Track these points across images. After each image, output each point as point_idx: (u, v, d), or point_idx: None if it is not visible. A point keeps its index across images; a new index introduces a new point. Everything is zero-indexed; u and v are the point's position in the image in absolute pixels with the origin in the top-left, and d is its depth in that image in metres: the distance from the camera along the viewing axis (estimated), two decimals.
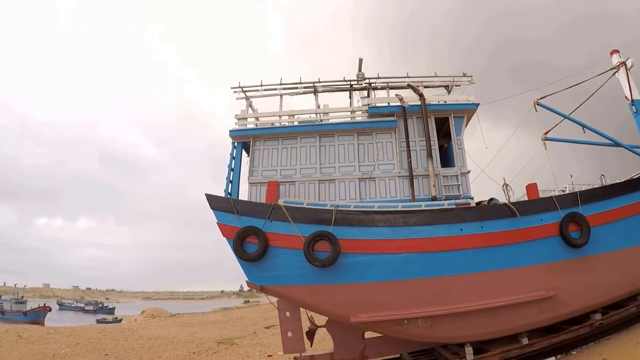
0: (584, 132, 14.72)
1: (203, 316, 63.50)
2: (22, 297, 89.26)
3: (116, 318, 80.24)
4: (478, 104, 13.77)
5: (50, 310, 74.76)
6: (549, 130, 15.51)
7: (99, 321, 74.25)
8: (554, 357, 11.98)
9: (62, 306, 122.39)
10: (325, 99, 15.18)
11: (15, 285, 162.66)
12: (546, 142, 15.33)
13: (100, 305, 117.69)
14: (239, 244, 11.86)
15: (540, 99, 14.97)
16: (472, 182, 13.61)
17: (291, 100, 14.50)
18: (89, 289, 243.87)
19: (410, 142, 13.33)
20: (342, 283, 11.56)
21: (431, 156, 13.04)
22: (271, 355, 19.52)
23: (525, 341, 11.61)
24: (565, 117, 15.03)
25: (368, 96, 14.59)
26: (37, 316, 69.22)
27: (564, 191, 17.08)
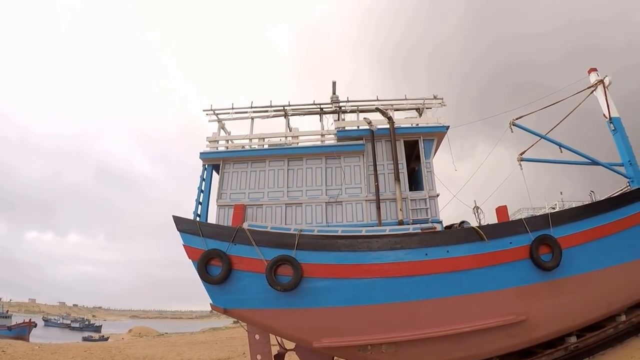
0: (561, 152, 14.40)
1: (192, 336, 62.89)
2: (7, 311, 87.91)
3: (103, 336, 78.26)
4: (448, 127, 13.64)
5: (35, 326, 73.37)
6: (525, 151, 15.19)
7: (85, 339, 72.27)
8: None
9: (47, 322, 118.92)
10: (297, 122, 15.48)
11: (0, 298, 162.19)
12: (522, 162, 15.04)
13: (86, 322, 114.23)
14: (203, 267, 11.88)
15: (517, 119, 14.73)
16: (446, 205, 13.46)
17: (264, 124, 14.82)
18: (75, 305, 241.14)
19: (378, 166, 13.24)
20: (304, 307, 11.48)
21: (398, 180, 12.90)
22: None
23: None
24: (541, 136, 14.78)
25: (338, 119, 14.55)
26: (22, 332, 67.58)
27: (554, 208, 16.69)
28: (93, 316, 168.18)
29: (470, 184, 14.78)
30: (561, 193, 18.72)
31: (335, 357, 13.20)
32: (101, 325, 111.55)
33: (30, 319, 75.51)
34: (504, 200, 13.48)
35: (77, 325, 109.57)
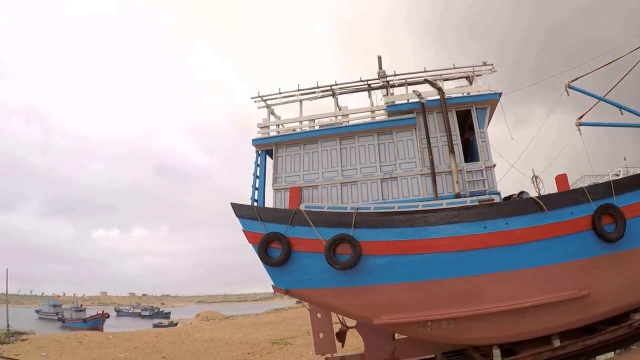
0: (622, 114, 13.58)
1: (256, 317, 64.53)
2: (81, 305, 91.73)
3: (172, 322, 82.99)
4: (500, 94, 13.13)
5: (108, 316, 78.25)
6: (583, 115, 14.41)
7: (155, 325, 75.30)
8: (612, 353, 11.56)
9: (119, 312, 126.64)
10: (346, 100, 15.40)
11: (74, 294, 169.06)
12: (581, 127, 14.23)
13: (156, 310, 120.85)
14: (263, 250, 12.18)
15: (572, 81, 13.97)
16: (504, 176, 13.18)
17: (313, 105, 14.81)
18: (144, 295, 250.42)
19: (431, 139, 12.91)
20: (363, 285, 11.63)
21: (453, 152, 12.56)
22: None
23: (557, 343, 11.16)
24: (599, 99, 13.99)
25: (387, 94, 14.25)
26: (96, 323, 72.29)
27: (617, 175, 15.84)
28: (162, 304, 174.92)
29: (528, 152, 14.28)
30: (625, 159, 17.63)
31: (396, 334, 13.32)
32: (170, 312, 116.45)
33: (103, 311, 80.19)
34: (564, 168, 12.97)
35: (147, 313, 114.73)
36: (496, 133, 13.63)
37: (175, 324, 75.02)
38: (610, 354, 11.36)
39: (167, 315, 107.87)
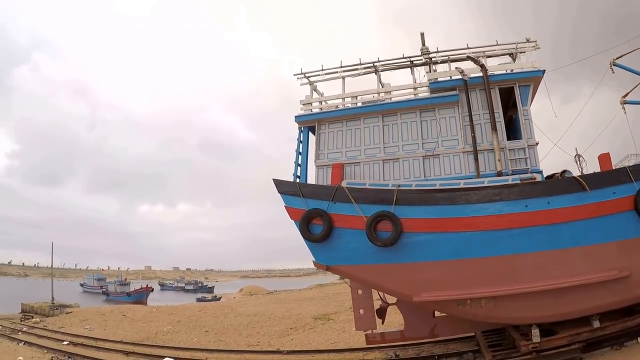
0: None
1: (299, 293, 64.70)
2: (126, 279, 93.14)
3: (215, 296, 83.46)
4: (544, 71, 12.92)
5: (152, 290, 78.55)
6: (628, 93, 14.11)
7: (198, 300, 76.48)
8: None
9: (163, 286, 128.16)
10: (389, 77, 15.32)
11: (118, 268, 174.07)
12: (625, 105, 14.04)
13: (199, 284, 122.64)
14: (305, 226, 12.47)
15: (618, 58, 13.73)
16: (547, 155, 13.08)
17: (356, 82, 14.87)
18: (188, 269, 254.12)
19: (473, 116, 12.86)
20: (404, 262, 11.80)
21: (495, 129, 12.50)
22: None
23: (596, 324, 11.07)
24: None
25: (430, 71, 14.15)
26: (140, 296, 72.03)
27: None
28: (205, 278, 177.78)
29: (574, 131, 14.08)
30: None
31: (435, 312, 13.48)
32: (213, 287, 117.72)
33: (147, 285, 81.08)
34: (611, 147, 12.73)
35: (190, 287, 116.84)
36: (539, 110, 13.45)
37: (219, 299, 75.79)
38: None
39: (210, 290, 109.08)
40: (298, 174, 13.90)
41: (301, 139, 14.18)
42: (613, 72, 13.83)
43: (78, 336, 25.48)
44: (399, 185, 12.18)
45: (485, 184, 11.80)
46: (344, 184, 12.64)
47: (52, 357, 19.61)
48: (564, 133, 13.49)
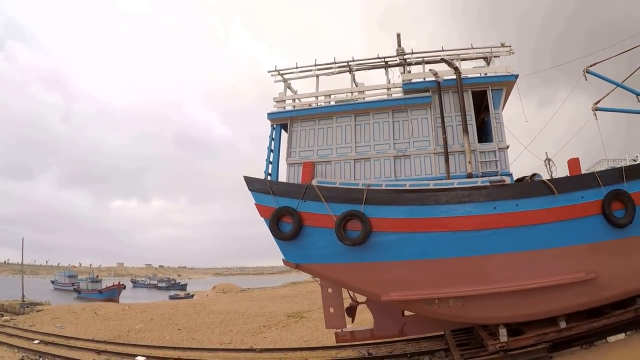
0: (639, 101, 13.60)
1: (273, 290, 64.66)
2: (97, 276, 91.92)
3: (188, 294, 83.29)
4: (517, 75, 13.02)
5: (124, 288, 78.01)
6: (600, 100, 14.29)
7: (171, 297, 77.27)
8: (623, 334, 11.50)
9: (135, 284, 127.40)
10: (364, 77, 15.33)
11: (90, 265, 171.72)
12: (597, 112, 14.18)
13: (172, 282, 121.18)
14: (274, 224, 12.38)
15: (591, 65, 13.82)
16: (517, 158, 13.18)
17: (331, 81, 14.88)
18: (161, 266, 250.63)
19: (445, 118, 12.88)
20: (373, 261, 11.81)
21: (467, 131, 12.56)
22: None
23: (563, 325, 11.25)
24: (617, 85, 13.87)
25: (404, 72, 14.15)
26: (112, 294, 71.70)
27: (635, 160, 15.92)
28: (178, 275, 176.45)
29: (552, 135, 14.22)
30: None
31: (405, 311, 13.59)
32: (186, 284, 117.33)
33: (119, 282, 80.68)
34: (588, 152, 12.95)
35: (163, 284, 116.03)
36: (519, 114, 13.66)
37: (192, 296, 75.33)
38: (621, 335, 11.42)
39: (183, 287, 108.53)
40: (270, 171, 13.75)
41: (273, 137, 14.08)
42: (586, 80, 13.99)
43: (49, 335, 24.98)
44: (369, 185, 12.17)
45: (455, 186, 11.86)
46: (314, 182, 12.57)
47: (22, 356, 19.18)
48: (535, 137, 13.60)
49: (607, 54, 14.28)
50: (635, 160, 15.95)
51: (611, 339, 11.45)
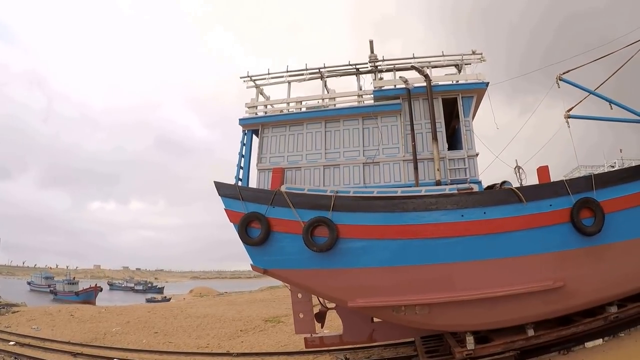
0: (611, 108, 13.48)
1: (250, 295, 64.41)
2: (74, 278, 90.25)
3: (165, 297, 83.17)
4: (487, 83, 13.01)
5: (101, 290, 77.00)
6: (572, 108, 14.24)
7: (148, 300, 76.49)
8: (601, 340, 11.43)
9: (112, 286, 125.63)
10: (338, 84, 15.38)
11: (67, 267, 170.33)
12: (570, 120, 14.19)
13: (149, 285, 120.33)
14: (243, 229, 12.28)
15: (564, 73, 13.83)
16: (488, 166, 13.21)
17: (303, 87, 15.01)
18: (138, 269, 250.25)
19: (415, 125, 12.86)
20: (339, 268, 11.75)
21: (436, 139, 12.51)
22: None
23: (531, 332, 11.14)
24: (589, 92, 13.79)
25: (376, 79, 14.21)
26: (88, 296, 70.74)
27: (612, 167, 15.95)
28: (155, 278, 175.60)
29: (527, 143, 14.34)
30: (621, 151, 17.50)
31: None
32: (163, 287, 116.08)
33: (96, 284, 79.11)
34: (566, 159, 13.06)
35: (140, 287, 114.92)
36: (485, 122, 13.82)
37: (169, 299, 75.03)
38: (599, 341, 11.36)
39: (160, 290, 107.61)
40: (240, 176, 13.69)
41: (244, 142, 14.01)
42: (559, 87, 13.95)
43: (25, 336, 24.60)
44: (337, 192, 12.09)
45: (423, 193, 11.78)
46: (283, 188, 12.42)
47: None
48: (508, 144, 13.43)
49: (576, 62, 14.35)
50: (612, 167, 16.12)
51: (589, 344, 11.38)
